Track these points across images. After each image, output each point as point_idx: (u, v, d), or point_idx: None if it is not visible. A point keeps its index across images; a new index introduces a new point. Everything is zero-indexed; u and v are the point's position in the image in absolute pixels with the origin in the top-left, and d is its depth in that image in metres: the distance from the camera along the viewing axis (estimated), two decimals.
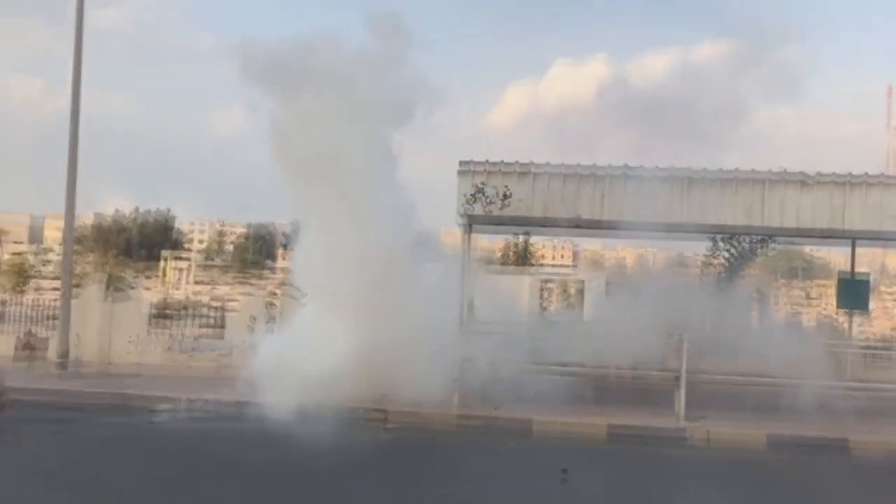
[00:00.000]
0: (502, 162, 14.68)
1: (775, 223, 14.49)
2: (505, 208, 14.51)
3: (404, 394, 13.63)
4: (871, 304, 25.94)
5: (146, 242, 58.86)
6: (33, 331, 18.32)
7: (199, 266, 56.70)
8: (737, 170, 14.47)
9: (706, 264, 23.53)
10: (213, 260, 71.11)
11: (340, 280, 13.46)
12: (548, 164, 14.76)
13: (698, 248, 24.20)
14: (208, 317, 21.36)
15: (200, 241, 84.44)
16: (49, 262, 40.83)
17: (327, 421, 11.78)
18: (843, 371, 15.72)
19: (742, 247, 23.05)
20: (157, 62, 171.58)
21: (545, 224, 15.48)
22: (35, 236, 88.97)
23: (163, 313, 21.77)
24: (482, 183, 14.51)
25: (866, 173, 14.32)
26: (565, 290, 37.35)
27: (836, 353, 15.96)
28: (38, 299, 24.51)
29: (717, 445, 12.54)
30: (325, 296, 14.14)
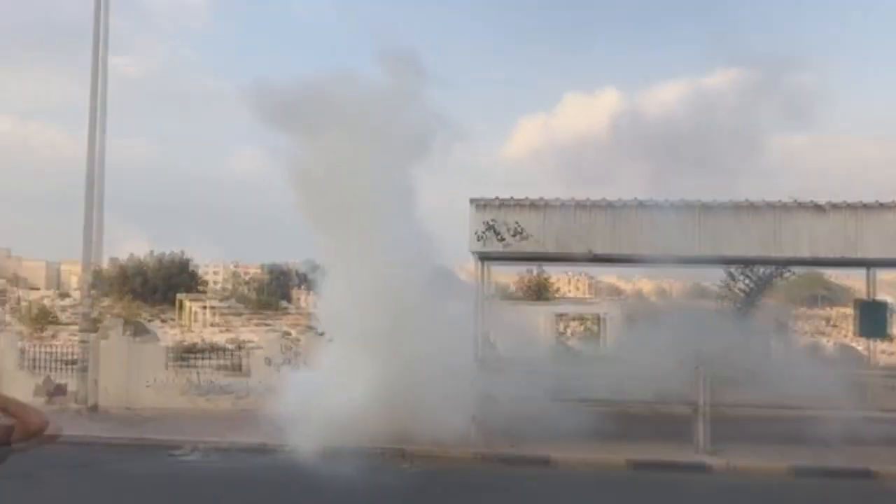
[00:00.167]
0: (512, 198, 14.75)
1: (790, 253, 14.44)
2: (517, 244, 14.54)
3: (425, 432, 13.56)
4: (892, 330, 25.61)
5: (162, 285, 59.16)
6: (52, 377, 18.43)
7: (214, 307, 56.85)
8: (748, 200, 14.46)
9: (721, 296, 23.38)
10: (228, 301, 71.32)
11: (361, 318, 13.49)
12: (558, 198, 14.82)
13: (716, 277, 24.06)
14: (225, 358, 21.42)
15: (216, 283, 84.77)
16: (66, 307, 41.16)
17: (348, 461, 11.74)
18: (866, 399, 15.52)
19: (758, 275, 22.92)
20: (173, 106, 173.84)
21: (558, 259, 15.50)
22: (52, 282, 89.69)
23: (180, 355, 21.84)
24: (493, 220, 14.57)
25: (877, 201, 14.26)
26: (582, 323, 37.20)
27: (859, 381, 15.78)
28: (56, 344, 24.70)
29: (738, 477, 12.40)
30: (347, 335, 14.14)
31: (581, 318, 37.47)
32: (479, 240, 14.50)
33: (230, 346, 27.09)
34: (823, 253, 14.25)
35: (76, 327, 21.67)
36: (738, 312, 21.62)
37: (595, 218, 14.71)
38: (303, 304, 68.26)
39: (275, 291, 74.99)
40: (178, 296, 54.50)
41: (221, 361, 20.74)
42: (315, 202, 14.29)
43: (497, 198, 14.78)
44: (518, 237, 14.57)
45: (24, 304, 48.55)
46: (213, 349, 26.83)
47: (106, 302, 39.30)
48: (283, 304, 71.68)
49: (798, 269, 20.75)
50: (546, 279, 63.12)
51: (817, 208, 14.26)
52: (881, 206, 14.21)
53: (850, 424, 13.18)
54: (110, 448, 14.11)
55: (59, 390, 17.99)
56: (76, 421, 16.44)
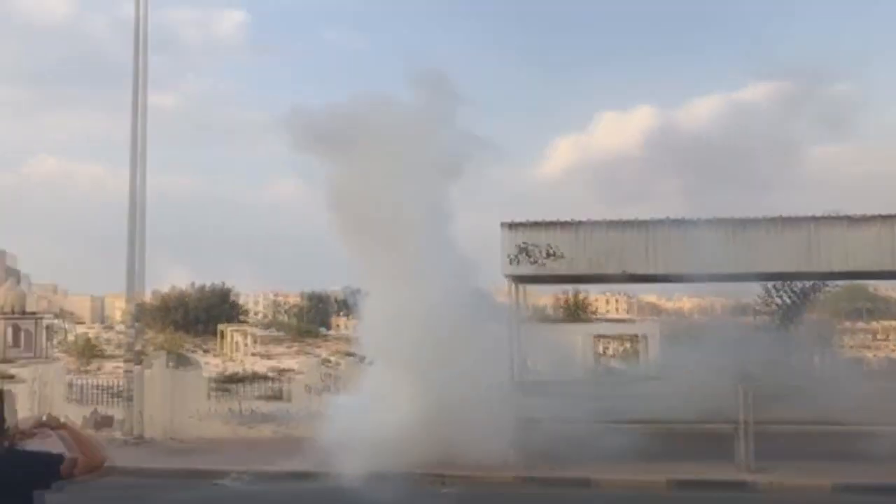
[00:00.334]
0: (543, 220, 14.84)
1: (825, 266, 14.34)
2: (550, 265, 14.61)
3: (466, 455, 13.57)
4: None
5: (203, 315, 60.03)
6: (98, 409, 18.84)
7: (255, 336, 57.48)
8: (780, 215, 14.41)
9: (759, 312, 23.14)
10: (269, 329, 72.03)
11: (401, 342, 13.57)
12: (590, 218, 14.90)
13: (755, 294, 23.80)
14: (266, 386, 21.68)
15: (256, 313, 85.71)
16: (111, 340, 42.00)
17: (388, 486, 11.81)
18: None
19: (798, 289, 22.68)
20: (213, 139, 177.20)
21: (592, 279, 15.58)
22: (97, 315, 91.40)
23: (222, 385, 22.15)
24: (525, 242, 14.67)
25: None
26: (622, 343, 36.94)
27: None
28: (102, 376, 25.22)
29: (780, 495, 12.26)
30: (388, 359, 14.23)
31: (620, 338, 37.19)
32: (511, 262, 14.62)
33: (271, 374, 27.38)
34: (860, 265, 14.14)
35: (121, 359, 22.13)
36: (779, 328, 21.40)
37: (628, 237, 14.75)
38: (342, 330, 68.70)
39: (314, 319, 75.66)
40: (220, 326, 55.19)
41: (262, 390, 20.98)
42: (352, 225, 14.43)
43: (528, 220, 14.90)
44: (551, 258, 14.65)
45: (70, 338, 49.55)
46: (255, 377, 27.15)
47: (149, 334, 39.97)
48: (323, 331, 72.22)
49: (840, 283, 20.47)
50: (583, 300, 62.82)
51: (851, 221, 14.15)
52: None
53: None
54: (157, 477, 14.37)
55: (106, 421, 18.39)
56: (122, 451, 16.75)
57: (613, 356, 35.18)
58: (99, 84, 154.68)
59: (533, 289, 20.69)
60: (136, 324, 20.20)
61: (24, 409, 17.60)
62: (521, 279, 14.99)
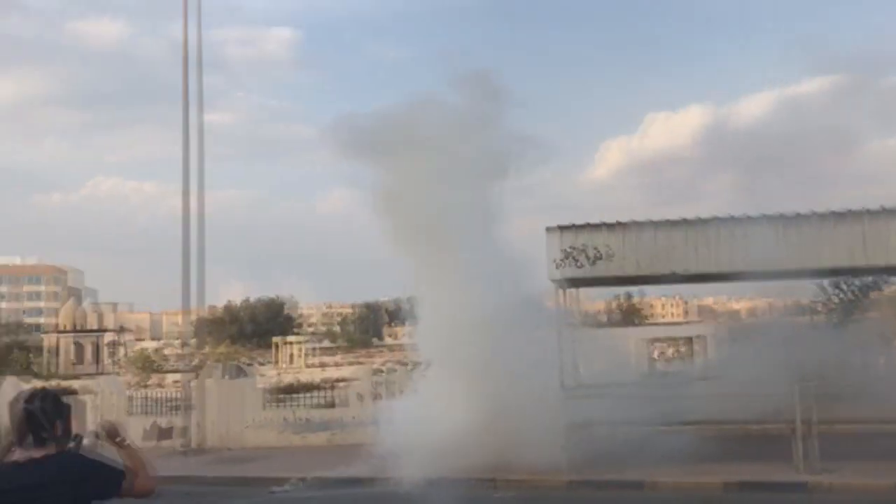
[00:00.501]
0: (588, 223, 14.75)
1: (881, 261, 13.98)
2: (597, 268, 14.52)
3: (519, 460, 13.54)
4: None
5: (258, 329, 61.05)
6: (158, 421, 19.30)
7: (309, 348, 58.20)
8: (832, 210, 14.11)
9: (815, 310, 22.65)
10: (322, 341, 72.81)
11: (455, 348, 13.59)
12: (635, 220, 14.77)
13: (811, 292, 23.32)
14: (320, 396, 21.97)
15: (310, 325, 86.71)
16: (169, 356, 42.96)
17: (440, 491, 11.89)
18: None
19: (856, 287, 22.16)
20: (264, 154, 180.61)
21: (640, 281, 15.43)
22: (156, 331, 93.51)
23: (277, 396, 22.52)
24: (571, 246, 14.60)
25: None
26: (675, 346, 36.47)
27: None
28: (161, 390, 25.79)
29: (840, 496, 11.96)
30: (442, 364, 14.28)
31: (675, 342, 36.70)
32: (558, 267, 14.56)
33: (324, 385, 27.71)
34: None
35: (179, 373, 22.62)
36: (837, 327, 20.92)
37: (677, 237, 14.58)
38: (394, 340, 69.07)
39: (367, 330, 76.28)
40: (274, 338, 56.04)
41: (316, 399, 21.27)
42: (402, 230, 14.49)
43: (573, 224, 14.82)
44: (598, 262, 14.56)
45: (131, 354, 50.78)
46: (308, 388, 27.53)
47: (206, 349, 40.76)
48: (375, 341, 72.72)
49: None
50: (634, 304, 62.13)
51: None
52: None
53: None
54: (215, 485, 14.67)
55: (165, 433, 18.85)
56: (181, 461, 17.19)
57: (668, 360, 34.74)
58: (153, 104, 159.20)
59: (585, 294, 20.55)
60: (193, 339, 20.71)
61: (88, 423, 18.17)
62: (567, 283, 14.92)
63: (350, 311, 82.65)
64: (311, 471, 14.62)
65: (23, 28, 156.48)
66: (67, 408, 3.98)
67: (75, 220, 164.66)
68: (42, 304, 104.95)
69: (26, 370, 29.70)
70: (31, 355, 36.64)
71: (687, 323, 59.75)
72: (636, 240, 14.64)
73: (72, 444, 3.92)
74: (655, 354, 34.28)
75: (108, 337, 51.04)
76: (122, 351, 54.70)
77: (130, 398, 21.37)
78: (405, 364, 27.62)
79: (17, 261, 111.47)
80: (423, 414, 13.91)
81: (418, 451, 13.05)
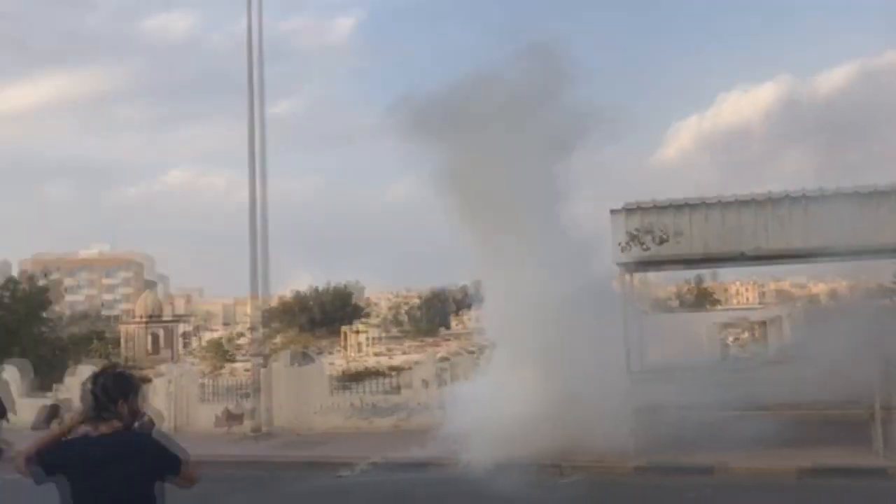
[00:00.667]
0: (655, 204, 14.34)
1: None
2: (664, 250, 14.14)
3: (587, 445, 13.36)
4: None
5: (327, 318, 61.89)
6: (229, 407, 19.72)
7: (377, 336, 58.81)
8: None
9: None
10: (390, 329, 73.44)
11: (522, 331, 13.44)
12: (704, 199, 14.32)
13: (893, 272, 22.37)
14: (387, 382, 22.15)
15: (378, 313, 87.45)
16: (241, 345, 43.89)
17: (506, 476, 11.79)
18: None
19: None
20: (331, 142, 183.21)
21: (708, 262, 15.01)
22: (229, 319, 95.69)
23: (344, 382, 22.80)
24: (636, 228, 14.24)
25: None
26: (748, 330, 35.62)
27: None
28: (233, 377, 26.39)
29: None
30: (509, 347, 14.12)
31: (749, 327, 35.81)
32: (623, 250, 14.24)
33: (391, 372, 27.92)
34: None
35: (250, 361, 23.07)
36: None
37: (746, 216, 14.08)
38: (461, 329, 69.19)
39: (434, 318, 76.58)
40: (343, 327, 56.73)
41: (383, 385, 21.44)
42: (467, 209, 14.30)
43: (639, 205, 14.43)
44: (664, 243, 14.18)
45: (204, 342, 52.10)
46: (376, 374, 27.78)
47: (277, 338, 41.54)
48: (442, 330, 73.00)
49: None
50: (707, 288, 60.85)
51: None
52: None
53: None
54: (284, 469, 14.90)
55: (236, 419, 19.25)
56: (251, 445, 17.55)
57: (742, 344, 33.94)
58: (222, 96, 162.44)
59: (655, 278, 20.09)
60: (261, 327, 21.10)
61: (161, 411, 18.67)
62: (633, 266, 14.57)
63: (417, 299, 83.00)
64: (379, 455, 14.72)
65: (98, 26, 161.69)
66: (133, 389, 4.21)
67: (149, 212, 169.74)
68: (119, 294, 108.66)
69: (105, 359, 30.77)
70: (109, 345, 37.93)
71: (761, 307, 58.25)
72: (704, 219, 14.20)
73: (137, 424, 4.17)
74: (730, 339, 33.51)
75: (182, 327, 52.54)
76: (195, 340, 56.20)
77: (202, 385, 21.88)
78: (471, 351, 27.61)
79: (96, 253, 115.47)
80: (490, 398, 13.85)
81: (484, 436, 13.02)
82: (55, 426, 4.31)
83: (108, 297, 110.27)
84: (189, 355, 47.36)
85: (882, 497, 11.10)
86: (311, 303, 66.25)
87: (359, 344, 53.68)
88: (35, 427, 17.48)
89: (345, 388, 21.30)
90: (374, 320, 75.72)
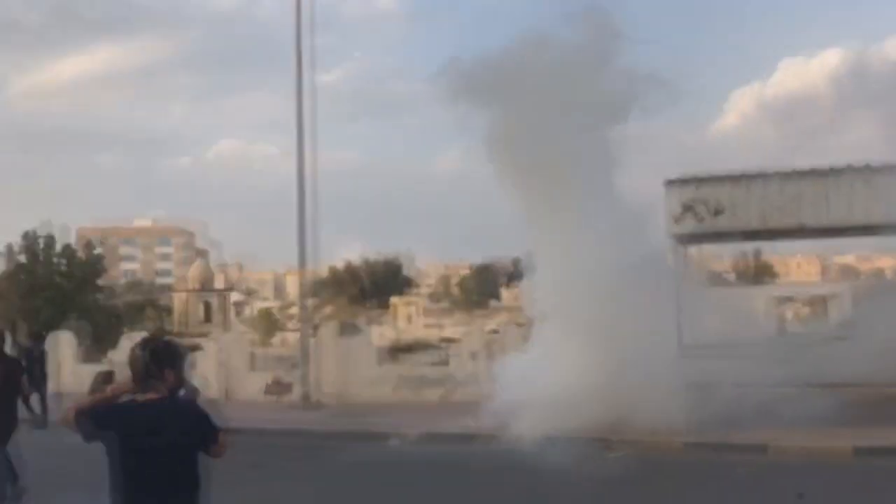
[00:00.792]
0: (710, 175, 13.97)
1: None
2: (718, 222, 13.78)
3: (637, 419, 13.10)
4: None
5: (377, 290, 62.30)
6: (277, 377, 19.96)
7: (426, 308, 59.01)
8: None
9: None
10: (439, 301, 73.60)
11: (573, 302, 13.18)
12: (761, 170, 13.89)
13: None
14: (435, 354, 22.18)
15: (428, 285, 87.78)
16: (292, 316, 44.48)
17: (551, 449, 11.64)
18: None
19: None
20: (381, 112, 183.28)
21: (764, 236, 14.58)
22: (280, 291, 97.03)
23: (392, 354, 22.90)
24: (691, 200, 13.88)
25: None
26: (808, 306, 34.85)
27: None
28: (282, 349, 26.73)
29: None
30: (559, 319, 13.88)
31: (809, 302, 35.00)
32: (677, 222, 13.91)
33: (441, 344, 27.97)
34: None
35: (298, 332, 23.30)
36: None
37: (804, 188, 13.65)
38: (512, 302, 69.07)
39: (484, 290, 76.55)
40: (392, 299, 57.09)
41: (431, 357, 21.46)
42: (517, 177, 13.95)
43: (694, 176, 14.08)
44: (719, 215, 13.82)
45: (255, 312, 52.94)
46: (424, 346, 27.86)
47: (326, 308, 41.94)
48: (493, 301, 72.93)
49: None
50: (765, 262, 59.70)
51: None
52: None
53: None
54: (331, 439, 14.99)
55: (284, 388, 19.49)
56: (299, 414, 17.72)
57: (800, 320, 33.22)
58: (271, 66, 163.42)
59: (710, 251, 19.63)
60: (310, 299, 21.24)
61: (211, 379, 18.98)
62: (687, 238, 14.24)
63: (468, 270, 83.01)
64: (427, 426, 14.70)
65: None
66: (179, 358, 4.31)
67: (201, 182, 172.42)
68: (171, 262, 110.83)
69: (158, 328, 31.48)
70: (162, 314, 38.75)
71: (823, 282, 56.78)
72: (762, 191, 13.78)
73: (182, 392, 4.29)
74: (790, 315, 32.80)
75: (234, 296, 53.37)
76: (248, 310, 57.11)
77: (252, 354, 22.15)
78: (521, 324, 27.45)
79: (149, 222, 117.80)
80: (539, 371, 13.69)
81: (533, 408, 12.87)
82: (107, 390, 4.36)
83: (162, 265, 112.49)
84: (241, 324, 48.16)
85: None
86: (362, 273, 66.71)
87: (409, 315, 53.98)
88: (92, 392, 17.90)
89: (393, 359, 21.38)
90: (424, 291, 75.99)
